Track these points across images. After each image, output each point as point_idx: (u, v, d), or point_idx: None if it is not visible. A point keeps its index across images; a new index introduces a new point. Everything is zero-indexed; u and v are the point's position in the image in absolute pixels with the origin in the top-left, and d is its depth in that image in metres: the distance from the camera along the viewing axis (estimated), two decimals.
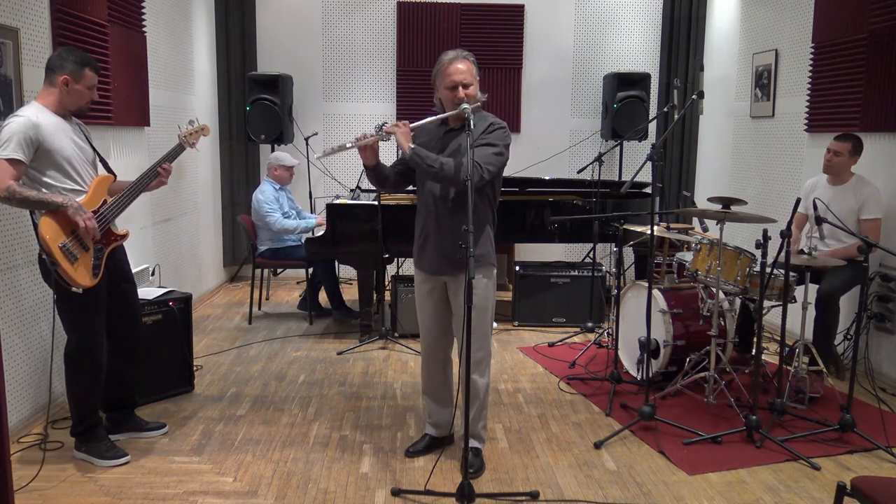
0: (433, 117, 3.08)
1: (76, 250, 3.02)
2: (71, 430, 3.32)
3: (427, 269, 3.22)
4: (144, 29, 4.88)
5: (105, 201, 3.19)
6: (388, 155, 3.87)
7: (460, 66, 3.00)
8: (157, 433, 3.56)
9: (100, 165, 3.33)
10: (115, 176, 3.32)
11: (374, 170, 3.14)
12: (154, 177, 3.33)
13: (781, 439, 3.47)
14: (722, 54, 6.52)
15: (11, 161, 2.88)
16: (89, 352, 3.21)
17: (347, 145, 3.03)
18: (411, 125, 3.05)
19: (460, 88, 2.99)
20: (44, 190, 3.01)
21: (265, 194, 5.57)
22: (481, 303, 3.14)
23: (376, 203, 4.91)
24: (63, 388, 3.42)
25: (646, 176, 3.98)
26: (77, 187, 3.12)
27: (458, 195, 3.04)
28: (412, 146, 2.97)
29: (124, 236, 3.30)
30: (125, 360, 3.49)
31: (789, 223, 3.50)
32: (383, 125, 3.05)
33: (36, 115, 2.99)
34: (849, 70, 4.74)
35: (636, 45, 7.03)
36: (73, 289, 3.00)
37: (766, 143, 5.74)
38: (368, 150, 3.05)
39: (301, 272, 6.20)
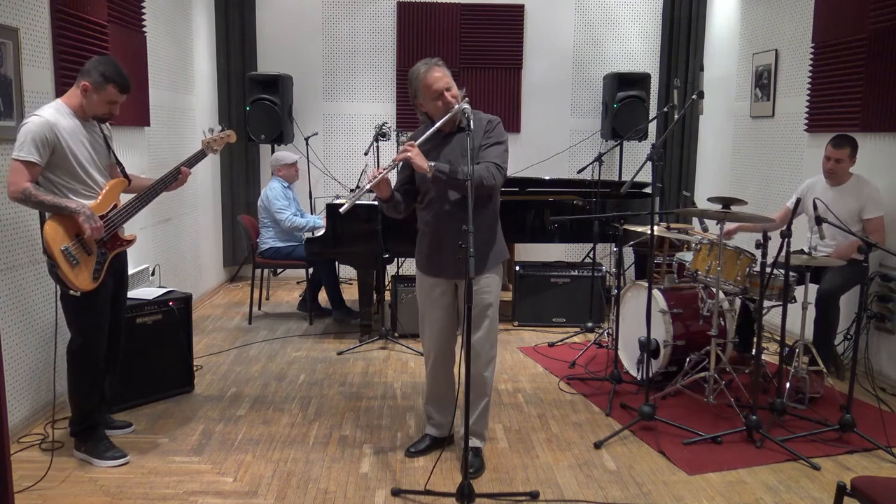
0: (432, 129, 3.01)
1: (79, 254, 3.04)
2: (70, 430, 3.33)
3: (446, 275, 3.18)
4: (144, 29, 4.88)
5: (115, 206, 3.21)
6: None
7: (437, 74, 3.01)
8: (125, 431, 3.55)
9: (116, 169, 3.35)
10: (129, 181, 3.33)
11: (390, 200, 3.09)
12: (175, 179, 3.35)
13: (781, 439, 3.47)
14: (722, 54, 6.51)
15: (27, 163, 2.92)
16: (91, 350, 3.22)
17: (367, 187, 2.96)
18: (416, 143, 2.98)
19: (445, 93, 3.00)
20: (53, 189, 3.04)
21: (274, 191, 5.57)
22: (496, 300, 3.17)
23: (376, 203, 4.89)
24: (64, 388, 3.42)
25: (646, 176, 3.98)
26: (84, 190, 3.13)
27: (477, 199, 2.95)
28: (431, 164, 2.94)
29: (131, 242, 3.31)
30: (114, 360, 3.50)
31: (789, 223, 3.50)
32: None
33: (54, 116, 3.00)
34: (849, 70, 4.74)
35: (636, 45, 7.03)
36: (72, 292, 3.04)
37: (766, 143, 5.73)
38: (383, 184, 2.99)
39: (301, 272, 6.19)
